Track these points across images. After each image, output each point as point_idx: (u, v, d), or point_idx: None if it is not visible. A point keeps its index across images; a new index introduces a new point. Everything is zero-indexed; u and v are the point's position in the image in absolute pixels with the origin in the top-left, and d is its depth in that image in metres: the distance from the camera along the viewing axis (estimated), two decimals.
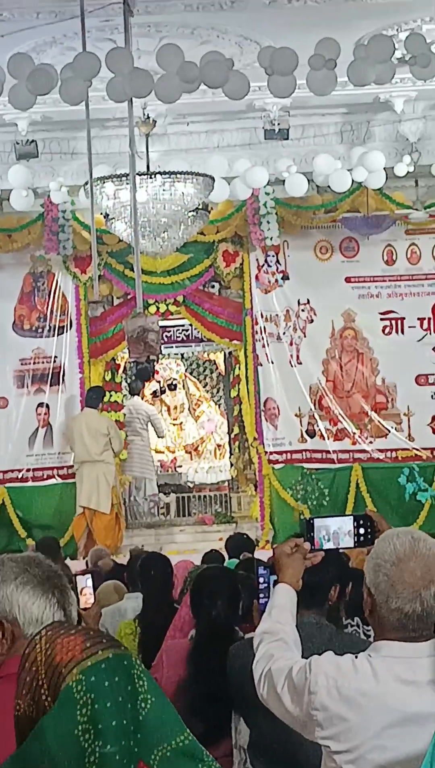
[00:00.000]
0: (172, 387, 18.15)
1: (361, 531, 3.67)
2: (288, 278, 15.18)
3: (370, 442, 15.06)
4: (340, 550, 4.11)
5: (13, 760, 1.96)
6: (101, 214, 12.12)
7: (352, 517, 3.74)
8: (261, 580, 4.29)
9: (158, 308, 15.00)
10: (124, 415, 15.84)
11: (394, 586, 3.06)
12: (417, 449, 14.99)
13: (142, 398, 17.03)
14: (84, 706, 1.89)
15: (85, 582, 5.02)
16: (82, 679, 1.91)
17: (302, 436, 15.10)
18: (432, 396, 15.17)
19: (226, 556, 10.25)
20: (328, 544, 3.70)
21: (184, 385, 18.32)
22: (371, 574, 3.12)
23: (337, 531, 3.71)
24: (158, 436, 16.94)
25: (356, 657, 3.13)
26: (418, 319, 15.22)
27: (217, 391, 18.11)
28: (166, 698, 1.99)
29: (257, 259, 15.16)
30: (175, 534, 15.07)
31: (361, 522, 3.68)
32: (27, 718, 1.98)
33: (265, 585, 4.26)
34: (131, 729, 1.90)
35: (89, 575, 5.17)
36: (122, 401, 15.90)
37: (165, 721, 1.96)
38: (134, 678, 1.95)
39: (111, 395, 15.49)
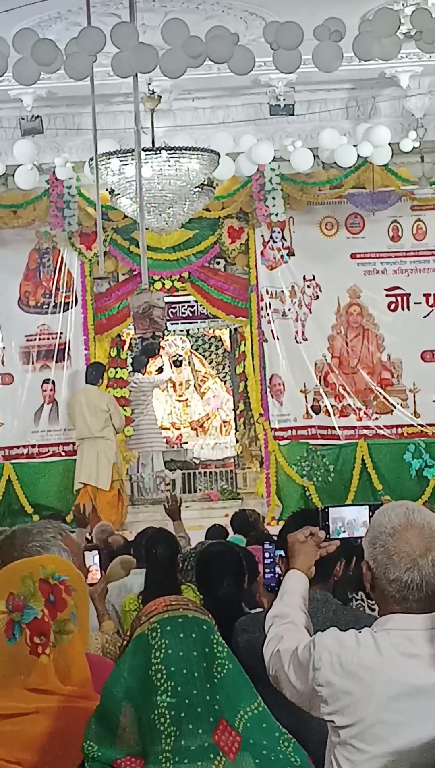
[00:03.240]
0: (178, 363, 18.16)
1: None
2: (293, 254, 15.15)
3: (376, 419, 15.06)
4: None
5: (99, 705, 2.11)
6: (106, 190, 12.10)
7: (367, 506, 3.73)
8: (266, 555, 4.29)
9: (163, 284, 14.99)
10: (130, 391, 15.83)
11: (392, 557, 3.08)
12: (422, 425, 14.99)
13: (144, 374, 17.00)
14: (158, 649, 2.04)
15: (92, 559, 5.04)
16: (157, 627, 2.07)
17: (308, 412, 15.10)
18: None
19: (231, 532, 10.27)
20: (342, 534, 3.72)
21: (189, 362, 18.31)
22: (369, 547, 3.14)
23: (351, 521, 3.72)
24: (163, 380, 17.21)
25: (359, 632, 3.15)
26: (424, 295, 15.20)
27: (223, 368, 18.10)
28: (241, 668, 2.11)
29: (262, 235, 15.12)
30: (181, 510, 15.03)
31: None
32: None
33: (271, 560, 4.26)
34: (206, 686, 2.03)
35: (96, 552, 5.19)
36: (127, 377, 15.89)
37: (241, 688, 2.10)
38: (212, 642, 2.08)
39: (117, 371, 15.48)
